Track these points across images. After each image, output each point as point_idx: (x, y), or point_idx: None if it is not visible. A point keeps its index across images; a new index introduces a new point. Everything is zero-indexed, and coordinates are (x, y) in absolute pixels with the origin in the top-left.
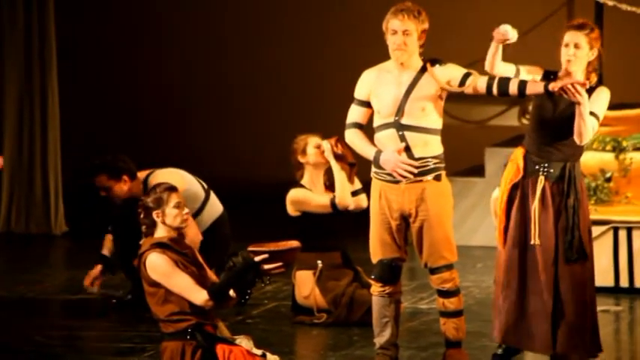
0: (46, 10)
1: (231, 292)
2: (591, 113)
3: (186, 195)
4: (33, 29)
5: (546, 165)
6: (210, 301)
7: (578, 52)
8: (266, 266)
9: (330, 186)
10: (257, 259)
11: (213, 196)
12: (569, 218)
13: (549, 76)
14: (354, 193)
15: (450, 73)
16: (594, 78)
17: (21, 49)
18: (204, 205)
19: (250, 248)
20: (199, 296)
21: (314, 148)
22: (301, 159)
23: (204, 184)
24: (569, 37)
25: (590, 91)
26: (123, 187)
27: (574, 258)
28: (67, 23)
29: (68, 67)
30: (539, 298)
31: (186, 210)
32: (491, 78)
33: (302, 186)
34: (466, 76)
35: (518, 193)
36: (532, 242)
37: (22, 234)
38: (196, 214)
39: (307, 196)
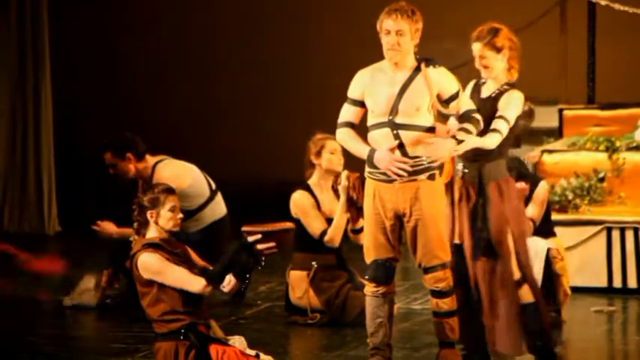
0: (39, 9)
1: (231, 277)
2: (502, 117)
3: (190, 190)
4: (26, 29)
5: (462, 165)
6: (209, 287)
7: (483, 61)
8: (259, 246)
9: (337, 190)
10: (250, 239)
11: (219, 197)
12: (478, 219)
13: (478, 85)
14: (356, 231)
15: (441, 84)
16: (515, 74)
17: (14, 50)
18: (207, 202)
19: (244, 228)
20: (197, 283)
21: (329, 153)
22: (314, 160)
23: (212, 183)
24: (474, 49)
25: (501, 94)
26: (128, 165)
27: (478, 257)
28: (61, 23)
29: (62, 66)
30: (468, 293)
31: (180, 215)
32: (470, 111)
33: (308, 186)
34: (452, 98)
35: (449, 194)
36: (454, 241)
37: (16, 233)
38: (198, 209)
39: (306, 211)
